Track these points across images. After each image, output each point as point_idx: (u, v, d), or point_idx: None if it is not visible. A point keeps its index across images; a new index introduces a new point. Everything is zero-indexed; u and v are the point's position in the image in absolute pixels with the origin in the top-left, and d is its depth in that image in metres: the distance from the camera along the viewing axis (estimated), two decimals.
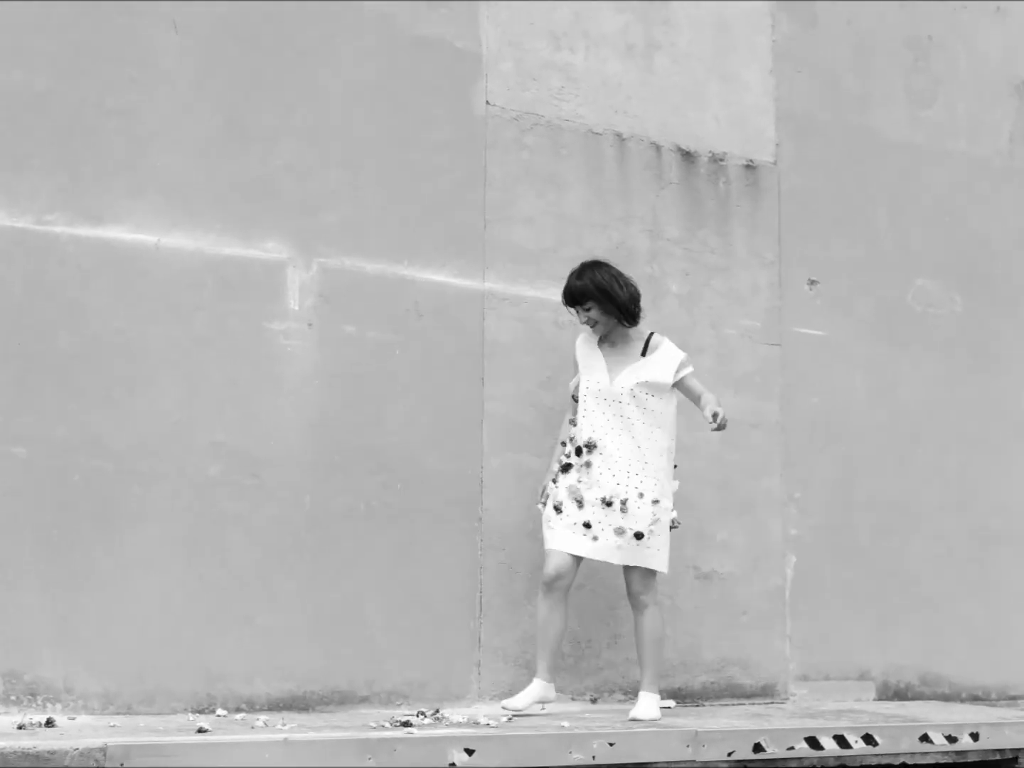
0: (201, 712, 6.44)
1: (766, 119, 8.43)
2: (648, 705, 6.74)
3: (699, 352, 7.92)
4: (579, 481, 6.81)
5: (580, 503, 6.77)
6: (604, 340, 7.03)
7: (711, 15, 8.33)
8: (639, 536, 6.74)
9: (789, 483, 8.17)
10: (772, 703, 7.89)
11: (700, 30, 8.28)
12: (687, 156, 8.12)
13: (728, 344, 8.07)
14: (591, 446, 6.82)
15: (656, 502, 6.79)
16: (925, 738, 6.76)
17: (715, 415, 6.68)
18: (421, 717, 6.49)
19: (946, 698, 8.46)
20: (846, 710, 7.60)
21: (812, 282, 8.41)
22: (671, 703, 7.47)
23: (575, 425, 6.95)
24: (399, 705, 6.90)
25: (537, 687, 6.74)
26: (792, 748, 6.40)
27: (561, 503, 6.80)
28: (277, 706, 6.63)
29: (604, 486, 6.76)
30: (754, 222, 8.26)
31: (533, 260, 7.56)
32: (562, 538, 6.76)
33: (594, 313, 6.93)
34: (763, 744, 6.32)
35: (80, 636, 6.22)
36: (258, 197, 6.90)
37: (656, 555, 6.83)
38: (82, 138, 6.54)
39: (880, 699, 8.28)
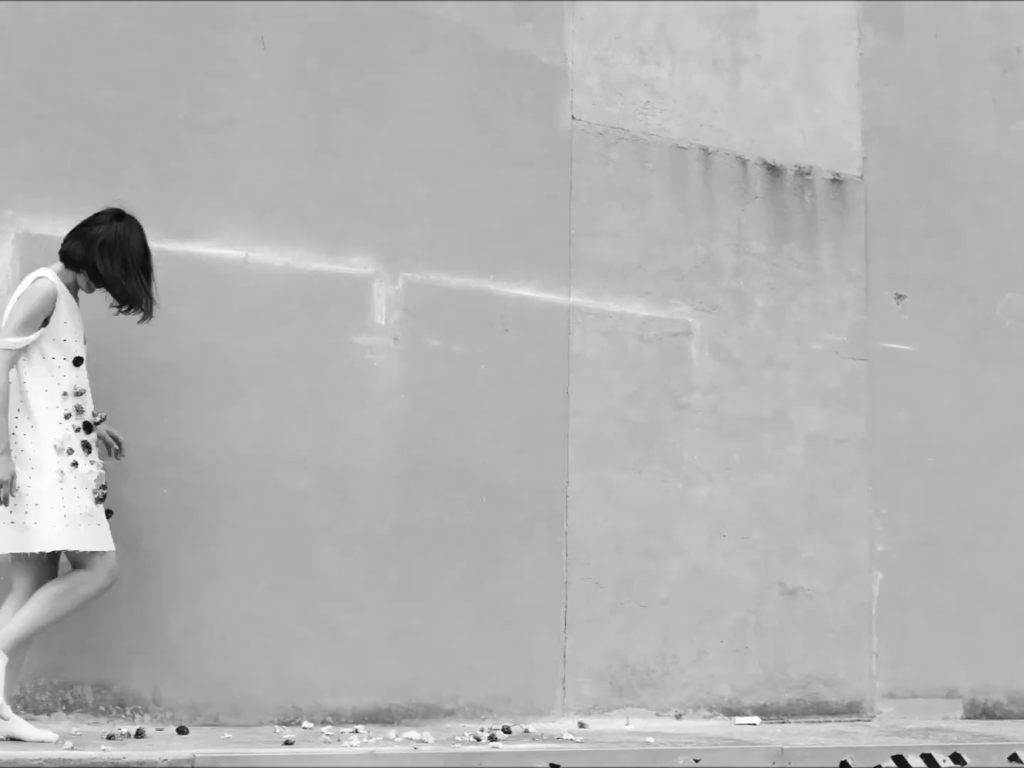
0: (287, 724, 6.47)
1: (853, 132, 8.38)
2: None
3: (785, 367, 7.89)
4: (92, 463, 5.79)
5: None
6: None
7: (797, 28, 8.29)
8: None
9: (876, 499, 8.11)
10: (858, 720, 7.82)
11: (786, 43, 8.25)
12: (773, 170, 8.09)
13: (814, 359, 8.02)
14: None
15: None
16: (1014, 758, 6.68)
17: None
18: (506, 732, 6.49)
19: None
20: (933, 728, 7.53)
21: (899, 296, 8.35)
22: (756, 719, 7.43)
23: (81, 396, 5.85)
24: (484, 719, 6.90)
25: None
26: (879, 766, 6.35)
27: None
28: (362, 719, 6.64)
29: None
30: (840, 236, 8.21)
31: (618, 275, 7.55)
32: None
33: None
34: (849, 762, 6.26)
35: (168, 648, 6.27)
36: (344, 212, 6.93)
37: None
38: (172, 153, 6.60)
39: (967, 717, 8.20)
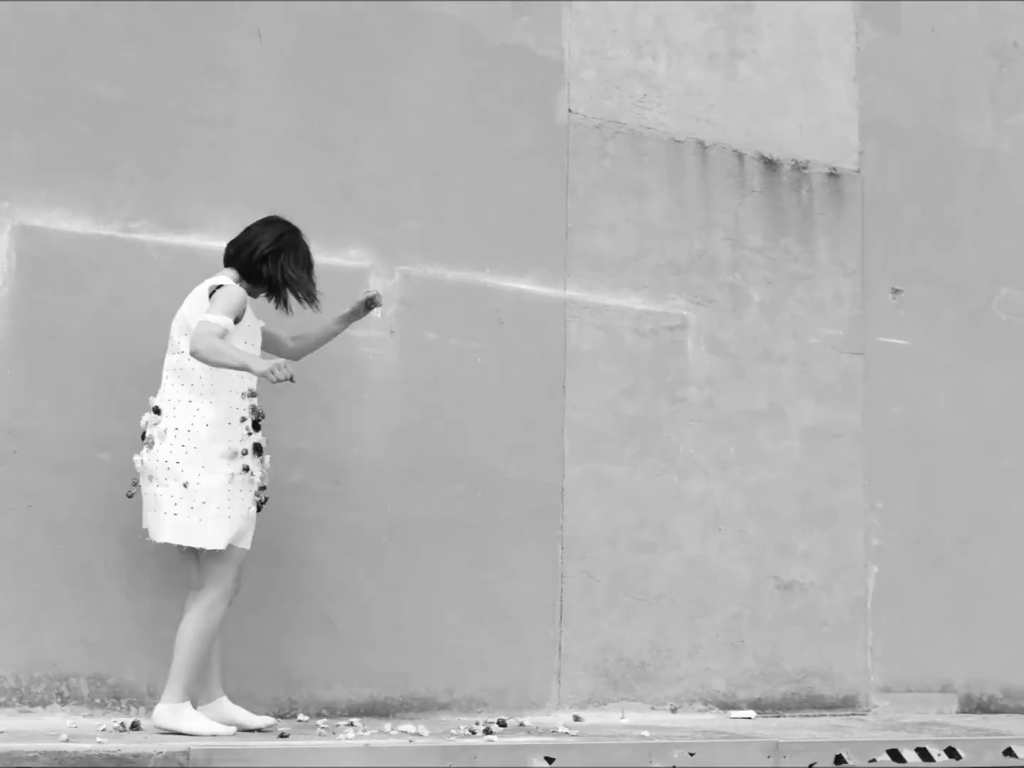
0: (282, 717, 6.48)
1: (850, 127, 8.38)
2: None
3: (781, 361, 7.89)
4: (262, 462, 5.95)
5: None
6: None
7: (794, 22, 8.29)
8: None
9: (871, 493, 8.11)
10: (853, 715, 7.83)
11: (783, 37, 8.25)
12: (770, 164, 8.09)
13: (810, 353, 8.03)
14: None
15: None
16: (1009, 752, 6.68)
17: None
18: (501, 725, 6.49)
19: None
20: (928, 723, 7.53)
21: (896, 291, 8.35)
22: (751, 713, 7.44)
23: (253, 397, 5.98)
24: (479, 712, 6.91)
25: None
26: (874, 760, 6.35)
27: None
28: (357, 711, 6.65)
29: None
30: (837, 230, 8.21)
31: (615, 268, 7.55)
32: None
33: None
34: (844, 756, 6.26)
35: (163, 640, 6.24)
36: (341, 205, 6.93)
37: None
38: (167, 146, 6.60)
39: (963, 712, 8.20)
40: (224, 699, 5.95)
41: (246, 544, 5.82)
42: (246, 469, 5.79)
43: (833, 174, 8.25)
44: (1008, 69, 8.99)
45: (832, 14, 8.43)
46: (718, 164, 7.93)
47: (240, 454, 5.79)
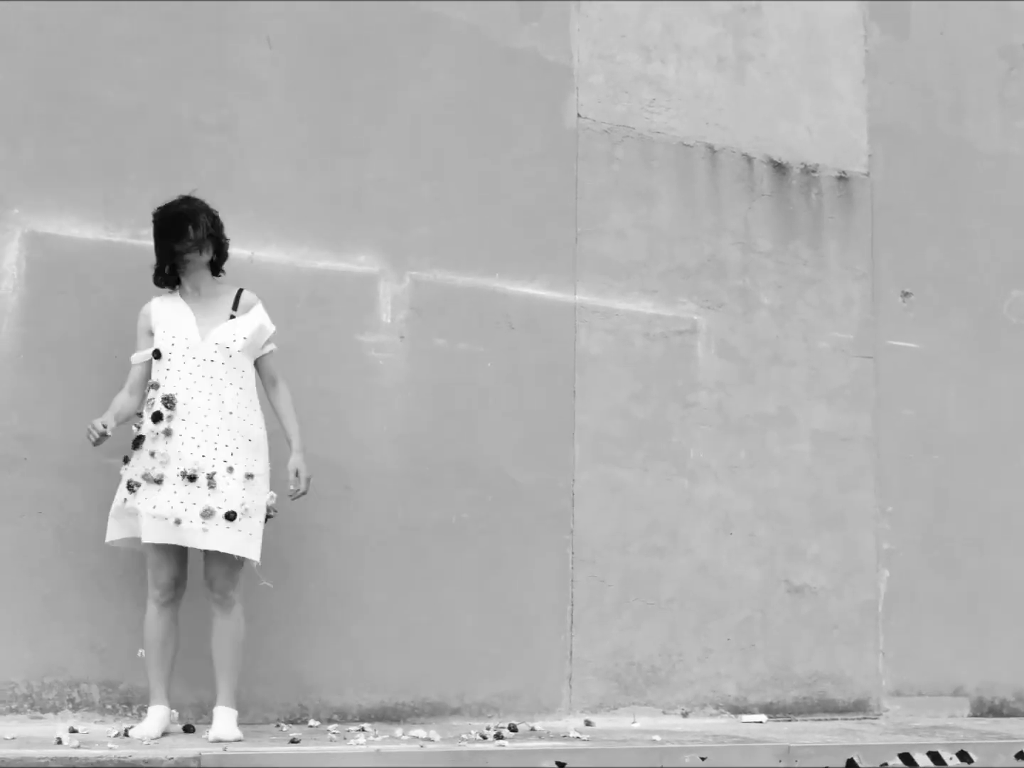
0: (293, 722, 6.47)
1: (859, 130, 8.37)
2: (228, 723, 5.78)
3: (791, 365, 7.89)
4: (152, 455, 5.80)
5: (159, 481, 5.76)
6: (188, 292, 6.05)
7: (802, 26, 8.29)
8: (230, 517, 5.73)
9: (882, 497, 8.10)
10: (865, 719, 7.81)
11: (791, 41, 8.24)
12: (779, 168, 8.08)
13: (821, 357, 8.02)
14: (170, 404, 5.79)
15: (250, 477, 5.86)
16: (1021, 755, 6.67)
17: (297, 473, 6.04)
18: (512, 730, 6.48)
19: None
20: (940, 726, 7.52)
21: (906, 294, 8.34)
22: (762, 717, 7.43)
23: (155, 388, 5.86)
24: (490, 717, 6.90)
25: (163, 714, 5.82)
26: (885, 764, 6.34)
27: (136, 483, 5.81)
28: (368, 717, 6.64)
29: (186, 459, 5.76)
30: (847, 234, 8.20)
31: (624, 273, 7.55)
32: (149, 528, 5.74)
33: (199, 247, 6.00)
34: (856, 760, 6.26)
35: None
36: (350, 210, 6.93)
37: (249, 541, 5.81)
38: (177, 153, 6.60)
39: (974, 715, 8.19)
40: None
41: (143, 536, 5.77)
42: (126, 460, 5.88)
43: (842, 177, 8.25)
44: (1017, 72, 8.98)
45: (840, 17, 8.42)
46: (727, 168, 7.92)
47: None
